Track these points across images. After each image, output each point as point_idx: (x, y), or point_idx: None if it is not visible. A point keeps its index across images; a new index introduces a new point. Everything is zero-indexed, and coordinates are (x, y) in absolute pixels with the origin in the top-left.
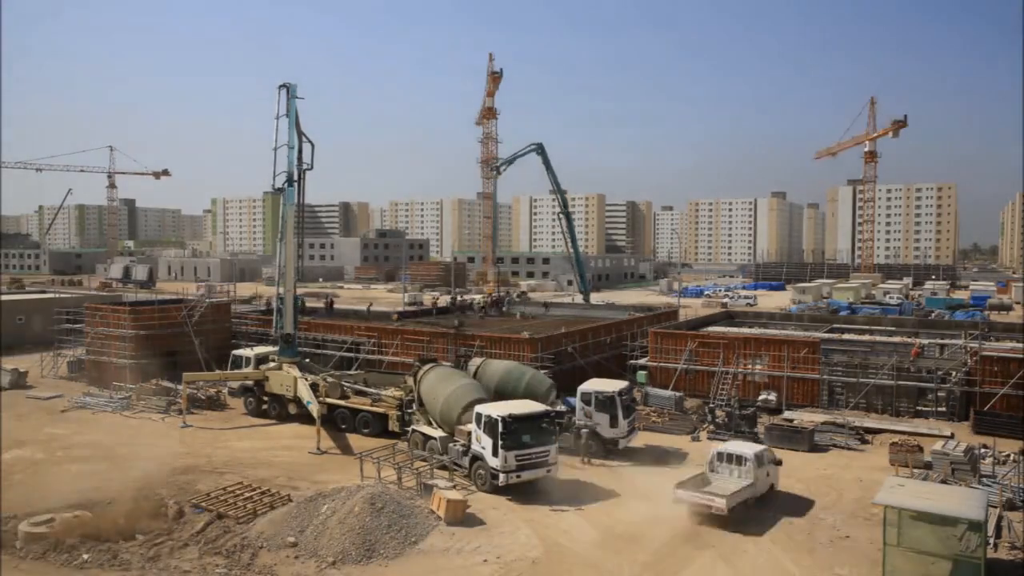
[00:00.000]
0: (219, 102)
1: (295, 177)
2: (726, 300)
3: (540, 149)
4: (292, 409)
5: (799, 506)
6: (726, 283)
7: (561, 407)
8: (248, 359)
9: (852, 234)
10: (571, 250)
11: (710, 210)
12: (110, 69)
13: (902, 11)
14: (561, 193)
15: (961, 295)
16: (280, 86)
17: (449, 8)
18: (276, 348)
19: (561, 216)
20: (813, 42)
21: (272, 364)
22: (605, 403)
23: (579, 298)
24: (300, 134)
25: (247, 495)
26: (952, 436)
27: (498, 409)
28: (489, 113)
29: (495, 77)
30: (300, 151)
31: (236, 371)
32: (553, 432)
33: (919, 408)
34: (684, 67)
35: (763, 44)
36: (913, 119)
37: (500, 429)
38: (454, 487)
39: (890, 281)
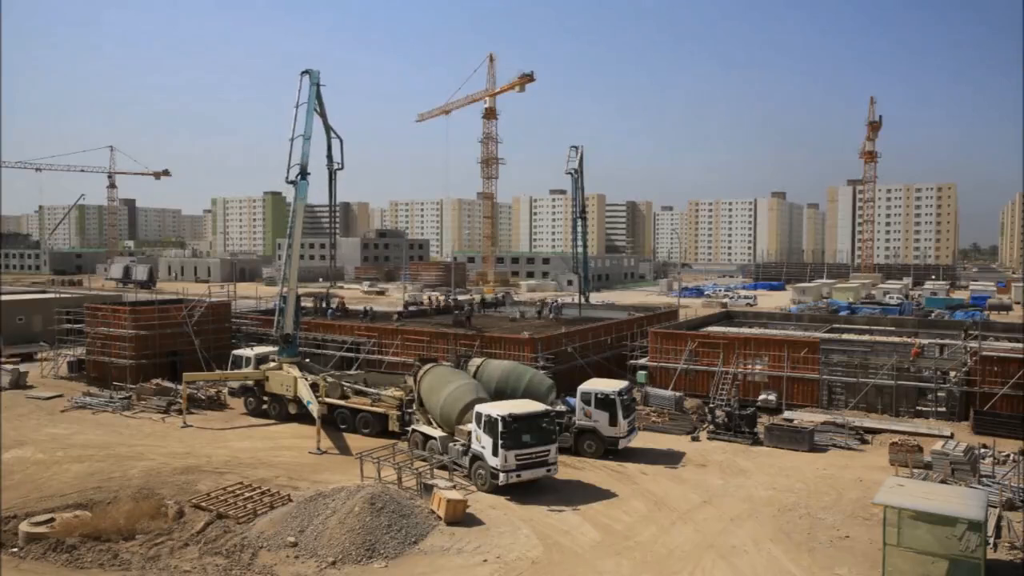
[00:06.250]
0: (219, 101)
1: (308, 170)
2: (726, 300)
3: (580, 155)
4: (292, 409)
5: (799, 506)
6: (726, 283)
7: (561, 407)
8: (248, 359)
9: (852, 234)
10: (579, 252)
11: (710, 210)
12: (110, 68)
13: (903, 9)
14: (583, 196)
15: (961, 295)
16: (302, 72)
17: (449, 6)
18: (276, 348)
19: (579, 219)
20: (814, 41)
21: (272, 364)
22: (605, 403)
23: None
24: (328, 128)
25: (247, 495)
26: (952, 436)
27: (498, 409)
28: (489, 113)
29: (517, 78)
30: (330, 147)
31: (236, 371)
32: (553, 432)
33: (919, 408)
34: (684, 67)
35: (764, 44)
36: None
37: (500, 428)
38: (454, 487)
39: (890, 281)
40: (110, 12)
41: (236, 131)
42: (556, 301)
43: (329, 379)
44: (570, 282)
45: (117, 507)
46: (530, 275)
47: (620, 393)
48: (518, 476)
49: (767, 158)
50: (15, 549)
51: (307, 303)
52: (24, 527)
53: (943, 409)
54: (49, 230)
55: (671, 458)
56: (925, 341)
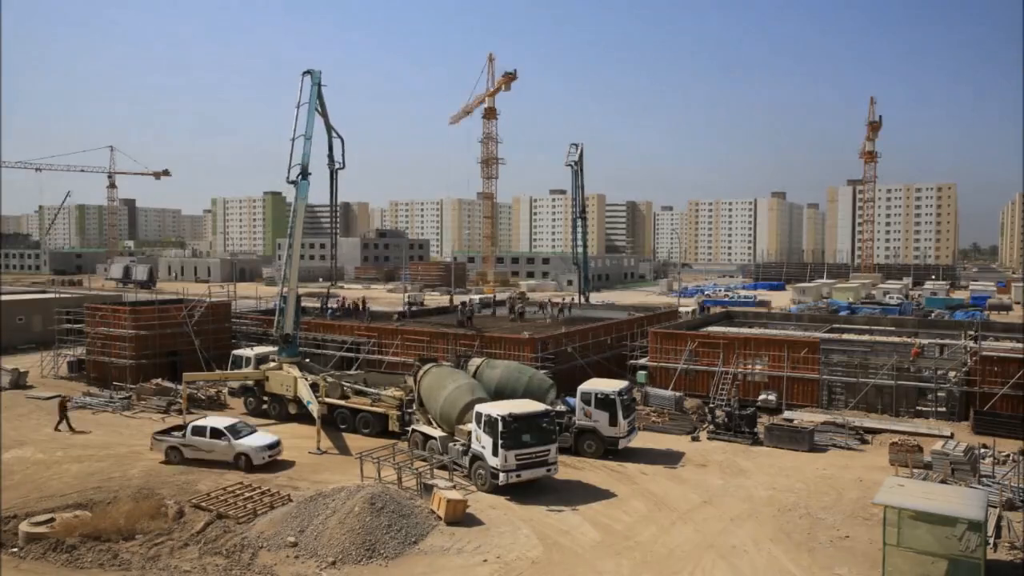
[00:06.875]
0: (219, 101)
1: (309, 170)
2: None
3: (581, 151)
4: (292, 409)
5: (799, 506)
6: (726, 283)
7: (561, 407)
8: (248, 359)
9: (852, 234)
10: (579, 251)
11: (710, 210)
12: (110, 68)
13: (903, 9)
14: (583, 196)
15: (961, 295)
16: (304, 72)
17: (449, 6)
18: (276, 348)
19: (580, 219)
20: (814, 41)
21: (272, 364)
22: (605, 403)
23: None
24: (329, 128)
25: (247, 495)
26: (952, 436)
27: (498, 408)
28: (489, 113)
29: (502, 77)
30: (331, 147)
31: (236, 371)
32: (553, 432)
33: (919, 408)
34: (684, 67)
35: (764, 44)
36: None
37: (500, 428)
38: (454, 487)
39: (890, 281)
40: (110, 12)
41: (236, 131)
42: (563, 301)
43: (329, 379)
44: (570, 282)
45: (117, 507)
46: (530, 275)
47: (620, 393)
48: (518, 476)
49: (767, 158)
50: (15, 549)
51: (308, 303)
52: (24, 527)
53: (943, 409)
54: (46, 229)
55: (671, 458)
56: (925, 341)
